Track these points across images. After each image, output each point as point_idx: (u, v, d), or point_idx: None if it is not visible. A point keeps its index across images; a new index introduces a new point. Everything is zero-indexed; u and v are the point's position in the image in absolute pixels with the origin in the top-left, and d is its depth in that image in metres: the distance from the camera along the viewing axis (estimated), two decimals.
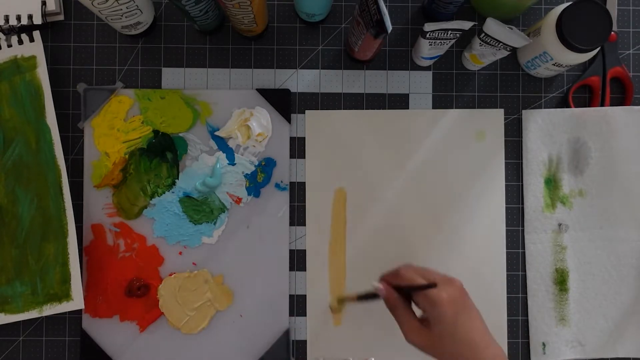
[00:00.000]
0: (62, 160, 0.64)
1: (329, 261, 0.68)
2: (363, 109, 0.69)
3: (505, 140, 0.70)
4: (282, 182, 0.68)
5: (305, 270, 0.68)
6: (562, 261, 0.68)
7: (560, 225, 0.69)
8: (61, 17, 0.68)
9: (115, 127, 0.67)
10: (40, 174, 0.64)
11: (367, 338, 0.67)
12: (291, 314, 0.68)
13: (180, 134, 0.67)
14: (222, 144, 0.67)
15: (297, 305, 0.68)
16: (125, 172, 0.67)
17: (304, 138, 0.69)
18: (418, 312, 0.56)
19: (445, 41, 0.61)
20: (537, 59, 0.65)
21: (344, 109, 0.69)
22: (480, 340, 0.52)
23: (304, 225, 0.68)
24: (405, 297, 0.55)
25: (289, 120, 0.68)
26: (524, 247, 0.69)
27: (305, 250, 0.68)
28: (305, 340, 0.67)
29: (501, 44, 0.59)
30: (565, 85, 0.70)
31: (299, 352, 0.67)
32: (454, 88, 0.70)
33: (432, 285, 0.52)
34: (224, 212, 0.67)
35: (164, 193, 0.67)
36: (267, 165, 0.67)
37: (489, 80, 0.70)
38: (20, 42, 0.65)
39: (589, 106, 0.70)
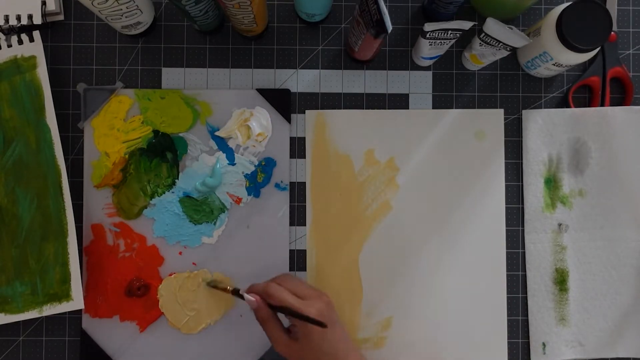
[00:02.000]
0: (62, 160, 0.64)
1: (329, 261, 0.68)
2: (363, 109, 0.69)
3: (505, 140, 0.70)
4: (282, 182, 0.68)
5: (305, 270, 0.68)
6: (562, 261, 0.68)
7: (560, 225, 0.69)
8: (61, 17, 0.68)
9: (115, 127, 0.67)
10: (40, 174, 0.64)
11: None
12: None
13: (180, 134, 0.67)
14: (222, 144, 0.67)
15: None
16: (125, 172, 0.67)
17: (304, 138, 0.69)
18: (286, 322, 0.59)
19: (445, 41, 0.61)
20: (537, 59, 0.65)
21: (344, 109, 0.69)
22: (343, 353, 0.57)
23: (304, 225, 0.68)
24: (278, 310, 0.57)
25: (289, 120, 0.68)
26: (524, 247, 0.69)
27: (305, 250, 0.68)
28: None
29: (501, 44, 0.59)
30: (565, 85, 0.70)
31: None
32: (454, 88, 0.70)
33: (318, 323, 0.54)
34: (224, 212, 0.67)
35: (164, 193, 0.67)
36: (267, 165, 0.67)
37: (489, 80, 0.70)
38: (20, 42, 0.65)
39: (589, 106, 0.70)
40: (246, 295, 0.57)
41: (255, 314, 0.58)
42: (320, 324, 0.54)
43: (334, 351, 0.56)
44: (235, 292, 0.61)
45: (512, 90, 0.70)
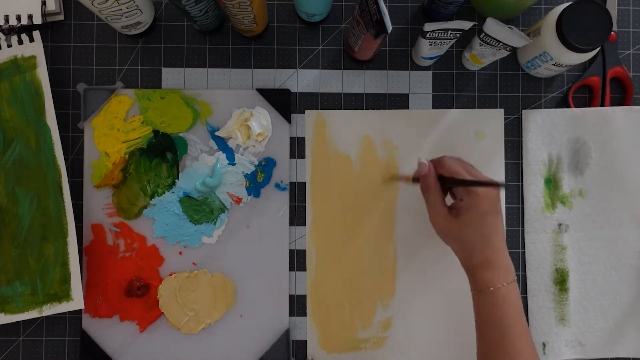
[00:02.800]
0: (62, 160, 0.64)
1: (329, 261, 0.68)
2: (363, 109, 0.69)
3: (505, 140, 0.70)
4: (282, 182, 0.68)
5: (305, 270, 0.68)
6: (562, 261, 0.68)
7: (560, 225, 0.69)
8: (61, 17, 0.68)
9: (115, 127, 0.67)
10: (40, 174, 0.64)
11: None
12: (291, 314, 0.68)
13: (180, 134, 0.67)
14: (222, 144, 0.67)
15: (297, 305, 0.68)
16: (125, 172, 0.67)
17: (304, 138, 0.69)
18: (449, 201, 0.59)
19: (445, 41, 0.61)
20: (537, 59, 0.65)
21: (344, 109, 0.69)
22: (496, 243, 0.55)
23: (304, 225, 0.68)
24: (444, 187, 0.58)
25: (289, 120, 0.68)
26: (524, 247, 0.69)
27: (305, 250, 0.68)
28: (305, 340, 0.67)
29: (501, 44, 0.59)
30: (565, 85, 0.70)
31: (299, 352, 0.67)
32: (454, 88, 0.70)
33: (495, 184, 0.54)
34: (224, 212, 0.67)
35: (164, 193, 0.67)
36: (267, 165, 0.67)
37: (489, 80, 0.70)
38: (20, 42, 0.65)
39: (589, 106, 0.70)
40: (420, 159, 0.57)
41: (421, 181, 0.58)
42: (496, 184, 0.53)
43: (488, 236, 0.55)
44: (415, 179, 0.61)
45: (512, 90, 0.70)
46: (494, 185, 0.54)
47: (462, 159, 0.59)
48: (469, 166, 0.59)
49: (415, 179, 0.61)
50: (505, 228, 0.69)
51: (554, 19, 0.60)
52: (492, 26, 0.58)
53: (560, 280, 0.68)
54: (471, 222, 0.55)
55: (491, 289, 0.55)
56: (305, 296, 0.68)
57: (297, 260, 0.68)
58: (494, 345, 0.55)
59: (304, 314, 0.68)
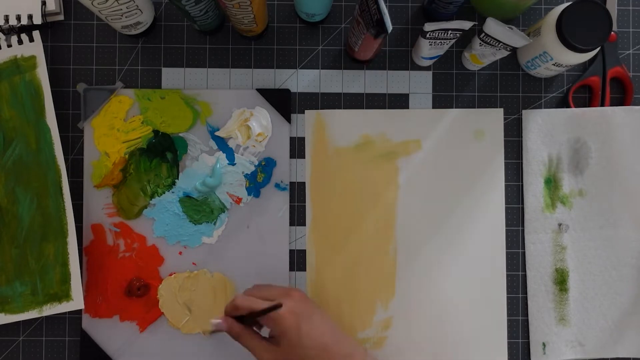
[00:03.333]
0: (62, 160, 0.64)
1: (329, 261, 0.68)
2: (363, 109, 0.69)
3: (505, 140, 0.70)
4: (282, 182, 0.68)
5: (305, 270, 0.68)
6: (562, 261, 0.68)
7: (560, 225, 0.69)
8: (61, 17, 0.68)
9: (115, 127, 0.67)
10: (40, 174, 0.64)
11: None
12: None
13: (180, 134, 0.67)
14: (222, 144, 0.67)
15: None
16: (125, 172, 0.67)
17: (304, 138, 0.69)
18: (265, 332, 0.57)
19: (445, 41, 0.61)
20: (537, 59, 0.65)
21: (344, 109, 0.69)
22: (330, 341, 0.55)
23: (304, 225, 0.68)
24: (251, 322, 0.56)
25: (289, 120, 0.68)
26: (524, 247, 0.69)
27: (305, 250, 0.68)
28: None
29: (501, 44, 0.59)
30: (565, 85, 0.70)
31: None
32: (454, 88, 0.70)
33: (273, 307, 0.52)
34: (224, 212, 0.67)
35: (164, 193, 0.67)
36: (267, 165, 0.67)
37: (489, 80, 0.70)
38: (20, 42, 0.65)
39: (589, 106, 0.70)
40: (212, 321, 0.56)
41: (230, 334, 0.56)
42: (274, 308, 0.52)
43: (317, 344, 0.54)
44: (213, 332, 0.60)
45: (512, 90, 0.70)
46: (274, 308, 0.52)
47: (260, 285, 0.59)
48: (269, 288, 0.58)
49: (212, 332, 0.59)
50: (504, 228, 0.69)
51: (554, 19, 0.60)
52: (492, 26, 0.58)
53: (560, 280, 0.68)
54: (292, 343, 0.54)
55: None
56: None
57: (297, 260, 0.68)
58: None
59: None
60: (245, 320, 0.56)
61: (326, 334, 0.56)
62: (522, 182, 0.69)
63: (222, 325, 0.56)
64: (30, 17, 0.66)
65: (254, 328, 0.57)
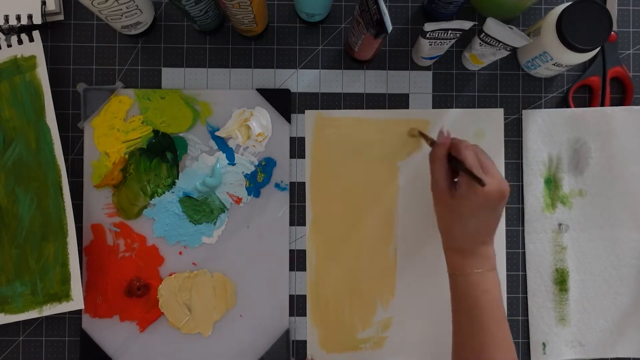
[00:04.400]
0: (62, 160, 0.64)
1: (329, 261, 0.68)
2: (363, 108, 0.69)
3: (505, 140, 0.70)
4: (282, 182, 0.68)
5: (305, 270, 0.68)
6: (562, 261, 0.68)
7: (560, 225, 0.69)
8: (61, 17, 0.68)
9: (115, 127, 0.67)
10: (40, 174, 0.64)
11: None
12: (291, 314, 0.68)
13: (180, 134, 0.67)
14: (222, 144, 0.67)
15: (297, 305, 0.68)
16: (125, 172, 0.67)
17: (304, 138, 0.69)
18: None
19: (445, 41, 0.61)
20: (537, 59, 0.65)
21: (344, 109, 0.69)
22: (486, 237, 0.57)
23: (304, 225, 0.68)
24: (455, 163, 0.58)
25: (289, 120, 0.68)
26: (524, 247, 0.69)
27: (305, 250, 0.68)
28: (305, 340, 0.67)
29: (501, 44, 0.59)
30: (565, 85, 0.70)
31: (299, 352, 0.67)
32: (454, 88, 0.70)
33: (479, 180, 0.53)
34: (224, 212, 0.67)
35: (164, 193, 0.67)
36: (267, 165, 0.67)
37: (489, 80, 0.70)
38: (20, 42, 0.65)
39: (589, 106, 0.70)
40: (442, 128, 0.58)
41: (432, 149, 0.59)
42: (480, 181, 0.53)
43: (473, 231, 0.56)
44: (428, 137, 0.63)
45: (512, 90, 0.70)
46: (478, 180, 0.53)
47: (479, 148, 0.59)
48: (484, 155, 0.58)
49: (432, 143, 0.62)
50: (504, 228, 0.69)
51: (554, 19, 0.60)
52: (492, 26, 0.58)
53: (560, 280, 0.68)
54: (462, 212, 0.55)
55: (466, 271, 0.56)
56: (305, 296, 0.68)
57: (297, 260, 0.68)
58: (465, 335, 0.56)
59: (304, 314, 0.68)
60: (451, 159, 0.58)
61: (488, 231, 0.57)
62: (522, 182, 0.69)
63: (443, 135, 0.58)
64: (30, 17, 0.65)
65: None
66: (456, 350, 0.58)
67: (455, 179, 0.58)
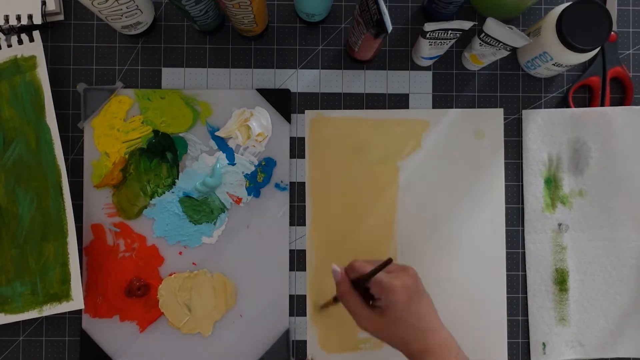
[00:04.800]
0: (62, 160, 0.64)
1: (329, 261, 0.68)
2: (363, 109, 0.69)
3: (505, 140, 0.70)
4: (282, 182, 0.68)
5: (305, 270, 0.68)
6: (562, 261, 0.68)
7: (560, 225, 0.69)
8: (61, 17, 0.68)
9: (115, 127, 0.67)
10: (40, 174, 0.64)
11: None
12: (291, 314, 0.68)
13: (180, 134, 0.67)
14: (222, 144, 0.67)
15: (297, 305, 0.68)
16: (125, 172, 0.67)
17: (304, 138, 0.69)
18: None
19: (445, 41, 0.61)
20: (537, 59, 0.65)
21: (344, 109, 0.69)
22: (429, 326, 0.55)
23: (304, 225, 0.68)
24: (361, 291, 0.56)
25: (289, 120, 0.68)
26: (524, 247, 0.69)
27: (305, 250, 0.68)
28: (305, 340, 0.67)
29: (501, 44, 0.59)
30: (565, 85, 0.70)
31: (299, 352, 0.67)
32: (454, 88, 0.70)
33: (386, 263, 0.53)
34: (224, 212, 0.67)
35: (164, 193, 0.67)
36: (267, 165, 0.67)
37: (489, 80, 0.70)
38: (20, 42, 0.65)
39: (589, 106, 0.70)
40: (333, 266, 0.57)
41: (337, 288, 0.57)
42: (386, 263, 0.52)
43: (418, 324, 0.54)
44: (322, 305, 0.64)
45: (512, 90, 0.70)
46: (386, 264, 0.52)
47: (371, 261, 0.58)
48: (375, 261, 0.57)
49: (335, 298, 0.60)
50: (504, 228, 0.69)
51: (554, 19, 0.60)
52: (492, 26, 0.58)
53: (560, 280, 0.68)
54: (396, 317, 0.54)
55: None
56: (305, 296, 0.68)
57: (297, 260, 0.68)
58: None
59: (304, 314, 0.68)
60: (357, 285, 0.56)
61: (430, 318, 0.56)
62: (522, 182, 0.69)
63: (337, 275, 0.57)
64: (30, 17, 0.65)
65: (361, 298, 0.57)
66: None
67: (370, 302, 0.57)
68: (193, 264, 0.67)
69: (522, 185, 0.69)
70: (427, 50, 0.63)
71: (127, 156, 0.67)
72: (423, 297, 0.56)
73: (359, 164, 0.68)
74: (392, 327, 0.54)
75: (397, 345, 0.55)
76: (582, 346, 0.68)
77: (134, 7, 0.61)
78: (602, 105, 0.69)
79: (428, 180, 0.69)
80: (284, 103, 0.68)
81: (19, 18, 0.65)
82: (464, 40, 0.68)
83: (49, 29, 0.68)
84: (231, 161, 0.67)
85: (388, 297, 0.54)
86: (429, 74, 0.70)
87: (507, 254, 0.69)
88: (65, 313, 0.67)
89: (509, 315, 0.68)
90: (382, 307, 0.55)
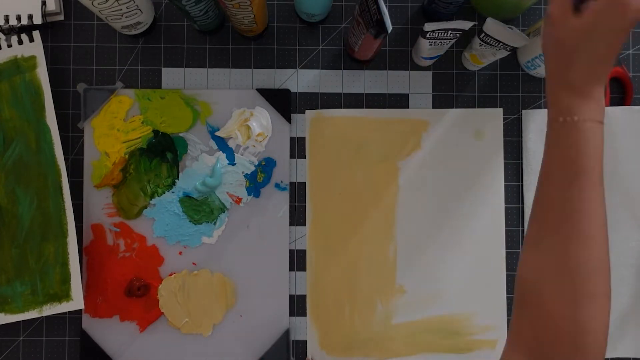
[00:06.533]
0: (62, 160, 0.64)
1: (329, 261, 0.68)
2: (363, 109, 0.69)
3: (505, 140, 0.70)
4: (282, 182, 0.68)
5: (305, 270, 0.68)
6: None
7: None
8: (61, 17, 0.68)
9: (115, 127, 0.67)
10: (40, 174, 0.64)
11: None
12: (291, 314, 0.68)
13: (180, 134, 0.67)
14: (222, 144, 0.67)
15: (297, 305, 0.68)
16: (125, 172, 0.67)
17: (304, 138, 0.69)
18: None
19: (445, 41, 0.61)
20: (537, 59, 0.65)
21: (344, 109, 0.69)
22: (605, 68, 0.45)
23: (304, 225, 0.68)
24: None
25: (289, 120, 0.68)
26: None
27: (305, 250, 0.68)
28: (305, 340, 0.67)
29: (501, 44, 0.59)
30: None
31: (299, 352, 0.67)
32: (454, 88, 0.70)
33: None
34: (224, 212, 0.67)
35: (164, 193, 0.67)
36: (267, 165, 0.67)
37: (489, 80, 0.70)
38: (20, 42, 0.65)
39: None
40: None
41: None
42: None
43: (603, 53, 0.44)
44: None
45: (512, 90, 0.70)
46: None
47: None
48: None
49: None
50: (504, 228, 0.69)
51: None
52: (492, 26, 0.58)
53: None
54: (595, 26, 0.42)
55: (575, 118, 0.44)
56: (305, 296, 0.68)
57: (297, 260, 0.68)
58: (557, 191, 0.45)
59: (304, 314, 0.68)
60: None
61: (609, 64, 0.45)
62: (522, 182, 0.69)
63: None
64: (30, 17, 0.66)
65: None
66: (530, 248, 0.46)
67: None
68: (193, 264, 0.67)
69: (522, 185, 0.69)
70: (427, 50, 0.63)
71: (127, 156, 0.67)
72: (625, 35, 0.44)
73: (359, 164, 0.68)
74: (583, 33, 0.43)
75: (559, 58, 0.45)
76: None
77: (134, 7, 0.61)
78: None
79: (428, 180, 0.69)
80: (284, 103, 0.68)
81: (19, 18, 0.65)
82: (464, 40, 0.68)
83: (49, 29, 0.68)
84: (231, 161, 0.67)
85: (608, 6, 0.42)
86: (429, 74, 0.70)
87: (507, 254, 0.69)
88: (65, 313, 0.67)
89: (509, 315, 0.68)
90: (590, 10, 0.43)
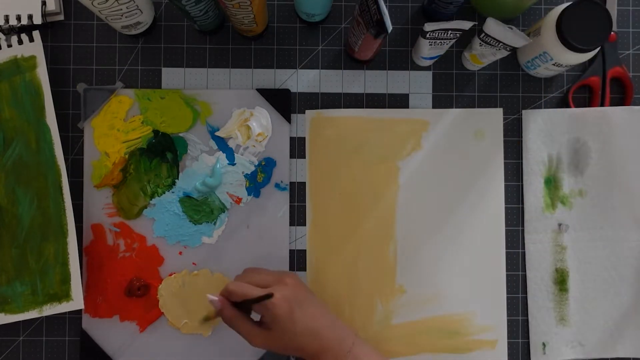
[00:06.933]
0: (62, 160, 0.64)
1: (329, 261, 0.68)
2: (363, 109, 0.69)
3: (505, 140, 0.70)
4: (282, 182, 0.68)
5: (305, 270, 0.68)
6: (562, 261, 0.68)
7: (560, 225, 0.69)
8: (61, 17, 0.68)
9: (115, 127, 0.67)
10: (40, 174, 0.64)
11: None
12: None
13: (180, 134, 0.67)
14: (222, 144, 0.67)
15: None
16: (125, 172, 0.67)
17: (304, 138, 0.69)
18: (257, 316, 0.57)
19: (445, 41, 0.61)
20: (537, 59, 0.65)
21: (344, 109, 0.69)
22: (321, 325, 0.55)
23: (304, 225, 0.68)
24: (245, 310, 0.56)
25: (289, 120, 0.68)
26: (524, 247, 0.69)
27: (305, 250, 0.68)
28: None
29: (501, 44, 0.59)
30: (565, 85, 0.70)
31: None
32: (454, 88, 0.70)
33: (265, 297, 0.52)
34: (224, 212, 0.67)
35: (164, 193, 0.67)
36: (267, 165, 0.67)
37: (489, 80, 0.70)
38: (20, 42, 0.65)
39: (589, 106, 0.70)
40: (209, 296, 0.56)
41: (221, 315, 0.56)
42: (266, 297, 0.52)
43: (309, 329, 0.54)
44: (206, 319, 0.60)
45: (512, 90, 0.70)
46: (265, 298, 0.52)
47: (252, 269, 0.59)
48: (261, 273, 0.58)
49: (207, 318, 0.60)
50: (504, 228, 0.69)
51: (554, 19, 0.60)
52: (492, 26, 0.58)
53: (560, 280, 0.68)
54: (283, 329, 0.54)
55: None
56: None
57: (297, 260, 0.68)
58: None
59: None
60: (238, 305, 0.56)
61: (318, 319, 0.56)
62: (522, 182, 0.69)
63: (217, 304, 0.56)
64: (30, 17, 0.65)
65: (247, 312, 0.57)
66: None
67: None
68: (193, 264, 0.67)
69: (522, 185, 0.69)
70: (427, 50, 0.63)
71: (127, 156, 0.67)
72: (306, 301, 0.56)
73: (359, 163, 0.68)
74: (283, 339, 0.54)
75: (294, 353, 0.55)
76: (582, 346, 0.68)
77: (134, 7, 0.61)
78: (602, 105, 0.69)
79: (428, 180, 0.69)
80: (284, 103, 0.68)
81: (19, 18, 0.65)
82: (464, 40, 0.68)
83: (49, 29, 0.68)
84: (231, 161, 0.67)
85: (269, 313, 0.54)
86: (429, 74, 0.70)
87: (507, 254, 0.69)
88: (65, 313, 0.67)
89: (509, 315, 0.68)
90: (268, 324, 0.55)
